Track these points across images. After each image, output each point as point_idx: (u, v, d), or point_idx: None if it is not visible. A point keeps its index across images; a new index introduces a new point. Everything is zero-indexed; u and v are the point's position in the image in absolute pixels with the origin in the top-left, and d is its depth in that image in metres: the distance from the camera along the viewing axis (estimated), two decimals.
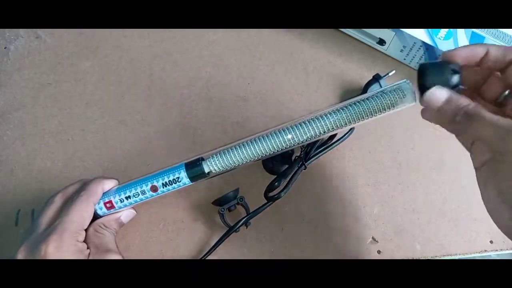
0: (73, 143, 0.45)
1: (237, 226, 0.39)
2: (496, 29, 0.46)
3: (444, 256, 0.42)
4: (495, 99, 0.31)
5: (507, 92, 0.31)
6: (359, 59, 0.49)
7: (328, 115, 0.34)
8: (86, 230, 0.35)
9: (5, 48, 0.48)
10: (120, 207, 0.36)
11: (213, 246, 0.39)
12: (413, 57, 0.48)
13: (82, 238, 0.33)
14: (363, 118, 0.33)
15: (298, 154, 0.42)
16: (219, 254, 0.41)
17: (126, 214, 0.38)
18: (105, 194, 0.36)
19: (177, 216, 0.42)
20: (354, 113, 0.33)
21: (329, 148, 0.43)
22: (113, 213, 0.37)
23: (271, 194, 0.39)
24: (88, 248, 0.33)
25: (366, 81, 0.46)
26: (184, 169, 0.35)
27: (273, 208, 0.41)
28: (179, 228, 0.42)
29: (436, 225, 0.43)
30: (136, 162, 0.44)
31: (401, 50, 0.48)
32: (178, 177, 0.35)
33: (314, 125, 0.34)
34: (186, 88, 0.47)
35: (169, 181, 0.35)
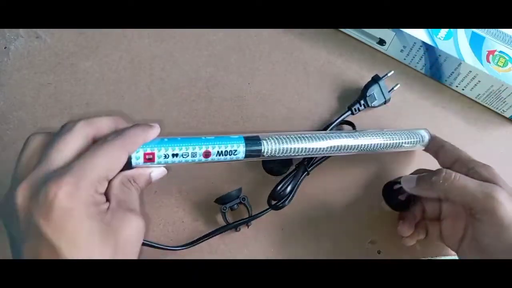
0: None
1: (236, 223, 0.40)
2: (496, 29, 0.46)
3: (444, 256, 0.42)
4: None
5: None
6: (359, 59, 0.49)
7: (374, 135, 0.39)
8: (110, 180, 0.28)
9: (5, 48, 0.48)
10: (160, 163, 0.31)
11: (207, 235, 0.39)
12: (413, 57, 0.48)
13: (103, 189, 0.27)
14: (389, 148, 0.40)
15: (301, 160, 0.42)
16: (219, 254, 0.41)
17: (158, 172, 0.31)
18: (147, 143, 0.30)
19: (177, 216, 0.42)
20: (386, 143, 0.40)
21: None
22: (146, 167, 0.31)
23: (274, 202, 0.39)
24: (107, 201, 0.27)
25: (366, 81, 0.46)
26: (244, 143, 0.33)
27: (275, 213, 0.41)
28: (179, 228, 0.42)
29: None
30: None
31: (401, 50, 0.48)
32: (236, 150, 0.33)
33: (357, 141, 0.38)
34: (186, 88, 0.47)
35: (226, 151, 0.32)
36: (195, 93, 0.47)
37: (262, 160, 0.43)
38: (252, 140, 0.34)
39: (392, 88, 0.46)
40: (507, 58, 0.44)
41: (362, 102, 0.45)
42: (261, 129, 0.46)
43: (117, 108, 0.46)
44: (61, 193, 0.24)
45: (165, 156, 0.31)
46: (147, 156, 0.30)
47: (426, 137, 0.42)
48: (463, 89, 0.48)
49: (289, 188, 0.39)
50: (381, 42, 0.48)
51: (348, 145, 0.38)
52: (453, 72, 0.46)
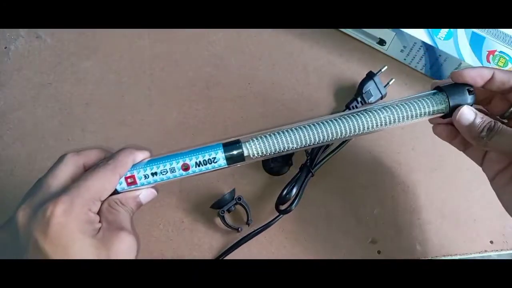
0: (73, 143, 0.45)
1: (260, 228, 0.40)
2: (496, 29, 0.46)
3: (444, 256, 0.42)
4: (502, 115, 0.35)
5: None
6: (359, 59, 0.49)
7: (379, 111, 0.34)
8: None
9: (5, 48, 0.48)
10: (143, 184, 0.32)
11: (231, 248, 0.40)
12: (413, 57, 0.48)
13: (96, 209, 0.29)
14: (407, 119, 0.34)
15: (304, 162, 0.42)
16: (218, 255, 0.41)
17: (146, 194, 0.33)
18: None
19: (177, 216, 0.42)
20: (401, 113, 0.34)
21: (335, 152, 0.42)
22: (132, 190, 0.32)
23: (283, 207, 0.39)
24: (100, 222, 0.29)
25: None
26: (222, 150, 0.32)
27: (273, 209, 0.41)
28: (179, 228, 0.42)
29: (436, 225, 0.43)
30: None
31: (401, 50, 0.48)
32: (215, 158, 0.32)
33: (364, 120, 0.34)
34: (186, 88, 0.47)
35: (204, 160, 0.32)
36: (195, 93, 0.47)
37: (262, 160, 0.43)
38: (231, 145, 0.32)
39: (388, 83, 0.46)
40: (507, 58, 0.44)
41: (359, 99, 0.45)
42: (261, 129, 0.46)
43: (117, 108, 0.46)
44: (57, 210, 0.27)
45: (145, 176, 0.31)
46: (128, 180, 0.31)
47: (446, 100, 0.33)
48: None
49: (294, 191, 0.39)
50: (381, 42, 0.48)
51: (337, 132, 0.33)
52: None
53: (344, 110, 0.45)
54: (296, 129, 0.33)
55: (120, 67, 0.48)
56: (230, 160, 0.32)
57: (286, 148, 0.33)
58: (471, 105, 0.34)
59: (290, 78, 0.48)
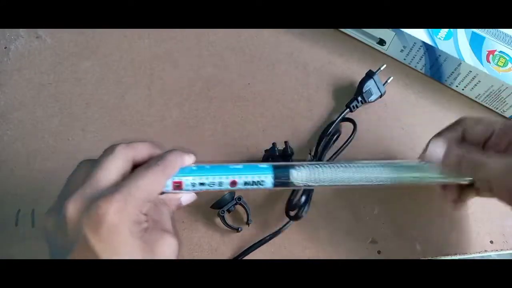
0: (73, 143, 0.45)
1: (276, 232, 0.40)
2: (496, 29, 0.46)
3: (444, 256, 0.42)
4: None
5: None
6: (359, 59, 0.49)
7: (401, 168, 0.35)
8: None
9: (5, 48, 0.48)
10: (187, 190, 0.32)
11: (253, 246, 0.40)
12: (413, 57, 0.48)
13: (145, 209, 0.29)
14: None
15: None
16: (219, 254, 0.41)
17: (187, 198, 0.33)
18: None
19: (177, 216, 0.42)
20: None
21: (339, 153, 0.43)
22: (176, 193, 0.32)
23: (293, 213, 0.39)
24: (146, 221, 0.29)
25: None
26: (272, 174, 0.33)
27: (273, 209, 0.41)
28: (180, 228, 0.42)
29: (436, 225, 0.43)
30: None
31: (401, 50, 0.48)
32: (263, 181, 0.33)
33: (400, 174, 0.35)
34: (186, 88, 0.47)
35: (253, 181, 0.33)
36: (195, 93, 0.47)
37: (262, 160, 0.43)
38: (281, 172, 0.33)
39: (386, 81, 0.46)
40: (507, 58, 0.44)
41: (359, 98, 0.45)
42: (261, 129, 0.46)
43: (117, 108, 0.46)
44: (111, 210, 0.26)
45: (193, 184, 0.32)
46: (175, 184, 0.31)
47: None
48: (463, 89, 0.48)
49: (303, 198, 0.39)
50: (381, 42, 0.48)
51: (385, 177, 0.35)
52: (453, 72, 0.46)
53: (344, 110, 0.45)
54: (339, 166, 0.34)
55: (120, 67, 0.48)
56: (277, 184, 0.33)
57: (330, 182, 0.34)
58: None
59: (290, 78, 0.48)
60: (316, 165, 0.34)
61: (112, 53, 0.48)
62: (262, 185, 0.33)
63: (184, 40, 0.49)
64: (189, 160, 0.32)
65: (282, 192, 0.40)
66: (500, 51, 0.45)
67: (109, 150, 0.30)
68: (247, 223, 0.41)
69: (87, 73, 0.47)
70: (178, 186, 0.32)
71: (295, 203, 0.38)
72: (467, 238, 0.43)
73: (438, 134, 0.36)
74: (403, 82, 0.49)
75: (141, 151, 0.31)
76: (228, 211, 0.40)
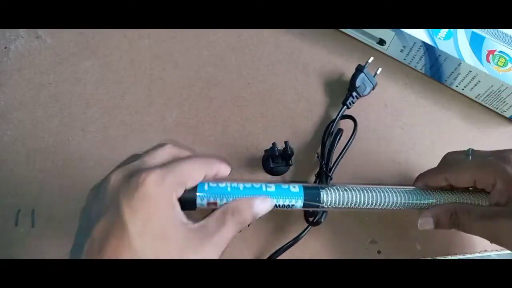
0: (73, 143, 0.45)
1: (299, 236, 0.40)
2: (496, 29, 0.46)
3: (444, 256, 0.42)
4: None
5: None
6: (359, 59, 0.49)
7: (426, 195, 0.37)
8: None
9: (5, 48, 0.48)
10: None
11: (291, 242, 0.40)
12: (413, 57, 0.48)
13: (179, 194, 0.29)
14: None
15: (318, 169, 0.42)
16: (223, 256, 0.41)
17: (263, 207, 0.32)
18: (211, 189, 0.32)
19: None
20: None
21: (345, 151, 0.42)
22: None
23: (312, 219, 0.39)
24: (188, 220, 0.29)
25: None
26: (302, 198, 0.34)
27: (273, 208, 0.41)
28: None
29: None
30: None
31: (401, 50, 0.48)
32: (294, 204, 0.34)
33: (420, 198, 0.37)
34: (186, 88, 0.47)
35: (284, 205, 0.34)
36: (195, 93, 0.47)
37: (262, 160, 0.43)
38: (311, 193, 0.34)
39: (376, 73, 0.46)
40: (507, 58, 0.44)
41: (354, 94, 0.45)
42: (261, 129, 0.46)
43: (117, 108, 0.46)
44: (149, 180, 0.27)
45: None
46: (210, 205, 0.32)
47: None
48: (463, 89, 0.48)
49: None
50: (381, 42, 0.48)
51: (415, 203, 0.37)
52: (453, 72, 0.46)
53: (342, 108, 0.45)
54: (368, 190, 0.36)
55: (120, 67, 0.48)
56: (306, 206, 0.35)
57: (358, 204, 0.36)
58: None
59: (290, 78, 0.48)
60: (345, 188, 0.36)
61: (112, 53, 0.48)
62: (291, 207, 0.34)
63: (184, 40, 0.49)
64: (226, 170, 0.32)
65: None
66: (500, 51, 0.45)
67: (159, 145, 0.31)
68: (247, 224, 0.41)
69: (87, 73, 0.47)
70: (213, 204, 0.32)
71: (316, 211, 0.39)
72: (467, 238, 0.43)
73: (422, 179, 0.39)
74: (403, 82, 0.49)
75: (186, 152, 0.32)
76: None
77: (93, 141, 0.45)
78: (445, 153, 0.40)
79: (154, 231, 0.27)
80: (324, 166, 0.41)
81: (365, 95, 0.46)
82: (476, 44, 0.45)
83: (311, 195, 0.34)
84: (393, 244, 0.42)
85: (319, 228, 0.42)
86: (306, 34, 0.50)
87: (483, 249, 0.43)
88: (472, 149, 0.38)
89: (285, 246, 0.40)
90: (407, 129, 0.47)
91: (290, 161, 0.42)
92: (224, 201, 0.32)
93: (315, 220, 0.39)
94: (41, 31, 0.49)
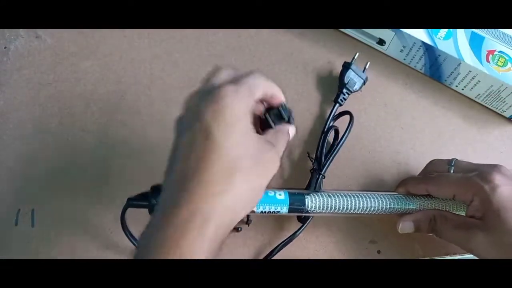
0: (73, 143, 0.45)
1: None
2: (496, 29, 0.46)
3: (444, 256, 0.42)
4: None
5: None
6: (359, 59, 0.49)
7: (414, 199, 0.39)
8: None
9: (5, 48, 0.48)
10: None
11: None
12: (413, 57, 0.48)
13: (250, 105, 0.30)
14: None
15: (311, 167, 0.42)
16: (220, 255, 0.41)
17: (292, 135, 0.35)
18: None
19: None
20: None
21: (337, 149, 0.42)
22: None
23: (302, 215, 0.40)
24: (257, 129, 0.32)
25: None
26: (287, 206, 0.36)
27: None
28: None
29: None
30: (137, 162, 0.44)
31: (401, 50, 0.48)
32: (279, 211, 0.36)
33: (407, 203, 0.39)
34: (186, 88, 0.47)
35: (270, 211, 0.36)
36: None
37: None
38: (296, 200, 0.37)
39: (365, 68, 0.47)
40: (506, 58, 0.44)
41: (344, 90, 0.45)
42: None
43: (117, 108, 0.46)
44: (226, 92, 0.28)
45: None
46: None
47: None
48: (462, 89, 0.48)
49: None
50: (381, 42, 0.48)
51: (398, 208, 0.39)
52: (452, 72, 0.46)
53: (334, 106, 0.45)
54: (353, 196, 0.38)
55: (120, 67, 0.48)
56: (291, 211, 0.37)
57: (342, 209, 0.38)
58: None
59: (290, 78, 0.48)
60: (330, 194, 0.37)
61: (112, 53, 0.48)
62: (278, 213, 0.36)
63: (184, 40, 0.49)
64: (280, 94, 0.34)
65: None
66: (500, 51, 0.45)
67: (216, 69, 0.32)
68: (247, 223, 0.41)
69: (87, 73, 0.47)
70: None
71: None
72: None
73: (405, 186, 0.40)
74: (403, 82, 0.49)
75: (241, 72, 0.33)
76: None
77: (93, 141, 0.45)
78: (429, 160, 0.42)
79: (235, 137, 0.28)
80: (315, 164, 0.42)
81: (357, 90, 0.46)
82: (475, 44, 0.45)
83: (296, 201, 0.37)
84: (393, 244, 0.42)
85: (319, 228, 0.42)
86: (306, 34, 0.50)
87: None
88: (456, 160, 0.39)
89: (280, 245, 0.40)
90: (407, 129, 0.47)
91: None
92: None
93: (304, 216, 0.40)
94: (41, 31, 0.49)
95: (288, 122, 0.34)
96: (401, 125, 0.47)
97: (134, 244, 0.36)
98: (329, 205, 0.37)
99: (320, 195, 0.37)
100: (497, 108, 0.47)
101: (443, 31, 0.45)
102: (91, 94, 0.46)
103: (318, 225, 0.42)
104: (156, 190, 0.33)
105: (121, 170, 0.44)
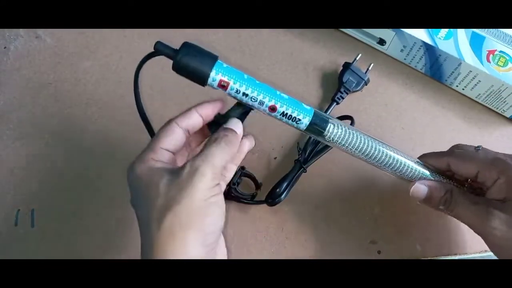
0: (73, 143, 0.45)
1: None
2: (496, 29, 0.46)
3: (444, 256, 0.42)
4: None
5: None
6: (359, 59, 0.49)
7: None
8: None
9: (5, 48, 0.48)
10: (229, 94, 0.33)
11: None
12: (413, 57, 0.48)
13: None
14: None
15: (297, 158, 0.42)
16: None
17: (249, 145, 0.35)
18: (225, 69, 0.33)
19: None
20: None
21: (327, 150, 0.43)
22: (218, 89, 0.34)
23: (271, 200, 0.40)
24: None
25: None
26: (310, 117, 0.33)
27: (273, 208, 0.41)
28: None
29: (436, 225, 0.43)
30: None
31: (401, 50, 0.48)
32: (300, 119, 0.33)
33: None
34: (186, 88, 0.47)
35: (290, 115, 0.32)
36: (195, 93, 0.47)
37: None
38: (320, 117, 0.33)
39: (368, 69, 0.47)
40: (507, 58, 0.44)
41: (342, 89, 0.46)
42: (260, 129, 0.46)
43: (117, 108, 0.46)
44: (137, 163, 0.34)
45: (237, 91, 0.32)
46: (222, 83, 0.32)
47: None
48: (463, 89, 0.48)
49: (284, 185, 0.40)
50: (381, 42, 0.48)
51: (415, 169, 0.36)
52: (453, 72, 0.46)
53: (331, 103, 0.45)
54: (374, 141, 0.35)
55: (120, 67, 0.48)
56: (310, 129, 0.33)
57: (359, 150, 0.35)
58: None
59: (290, 78, 0.48)
60: (353, 131, 0.35)
61: (112, 53, 0.48)
62: (297, 123, 0.33)
63: (184, 40, 0.49)
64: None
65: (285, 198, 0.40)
66: (500, 51, 0.45)
67: (165, 124, 0.34)
68: (259, 188, 0.42)
69: (87, 73, 0.47)
70: (223, 86, 0.33)
71: (277, 193, 0.40)
72: (467, 238, 0.43)
73: (425, 158, 0.38)
74: (403, 82, 0.49)
75: (196, 119, 0.35)
76: (237, 183, 0.41)
77: (93, 141, 0.45)
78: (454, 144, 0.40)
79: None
80: (301, 158, 0.42)
81: (356, 90, 0.46)
82: (476, 44, 0.45)
83: (320, 120, 0.33)
84: (393, 244, 0.42)
85: (319, 228, 0.42)
86: (306, 34, 0.50)
87: (483, 249, 0.42)
88: (482, 146, 0.37)
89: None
90: (407, 129, 0.47)
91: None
92: (237, 85, 0.32)
93: (271, 202, 0.40)
94: (40, 31, 0.49)
95: (225, 123, 0.33)
96: (402, 125, 0.47)
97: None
98: (349, 140, 0.34)
99: (344, 127, 0.34)
100: (497, 108, 0.47)
101: (443, 31, 0.45)
102: (91, 94, 0.46)
103: (318, 225, 0.42)
104: (187, 46, 0.34)
105: (121, 170, 0.44)
